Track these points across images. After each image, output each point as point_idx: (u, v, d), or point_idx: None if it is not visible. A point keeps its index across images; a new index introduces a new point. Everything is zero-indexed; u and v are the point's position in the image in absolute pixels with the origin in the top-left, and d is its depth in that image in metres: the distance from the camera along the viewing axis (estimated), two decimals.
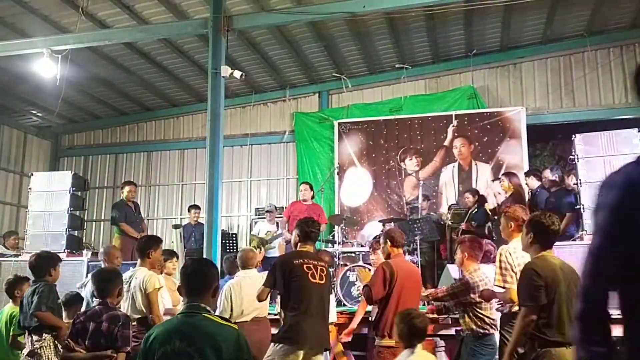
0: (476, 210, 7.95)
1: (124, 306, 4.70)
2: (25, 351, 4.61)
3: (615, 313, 1.68)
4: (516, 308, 3.92)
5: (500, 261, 4.08)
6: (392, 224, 8.35)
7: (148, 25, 8.78)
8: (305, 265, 4.34)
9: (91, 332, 3.64)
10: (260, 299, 4.51)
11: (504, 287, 4.03)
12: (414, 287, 4.57)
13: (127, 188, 8.65)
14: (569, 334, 3.17)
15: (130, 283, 4.71)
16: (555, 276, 3.35)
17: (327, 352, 5.40)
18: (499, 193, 7.74)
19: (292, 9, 8.04)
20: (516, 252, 4.04)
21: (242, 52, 10.06)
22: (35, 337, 4.59)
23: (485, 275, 5.20)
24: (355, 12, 7.68)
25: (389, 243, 4.72)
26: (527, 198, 8.37)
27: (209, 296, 2.67)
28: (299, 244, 4.56)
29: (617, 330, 1.59)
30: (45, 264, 4.78)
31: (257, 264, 5.41)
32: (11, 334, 5.03)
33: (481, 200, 8.17)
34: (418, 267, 6.81)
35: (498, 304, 4.38)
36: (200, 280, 2.68)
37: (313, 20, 8.67)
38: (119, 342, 3.65)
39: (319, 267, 4.39)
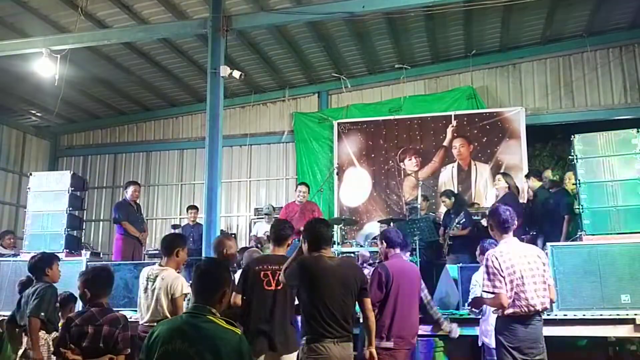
0: (464, 219, 7.70)
1: (146, 305, 4.56)
2: (20, 351, 4.62)
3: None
4: (509, 311, 3.97)
5: (487, 267, 4.05)
6: (391, 224, 8.34)
7: (147, 25, 8.77)
8: (262, 273, 4.27)
9: (90, 336, 3.57)
10: (236, 302, 4.31)
11: (493, 293, 3.99)
12: (411, 286, 4.55)
13: (131, 188, 8.62)
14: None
15: (155, 281, 4.51)
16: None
17: None
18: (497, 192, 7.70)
19: (292, 9, 8.04)
20: (503, 255, 4.03)
21: (242, 52, 10.06)
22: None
23: (475, 281, 5.21)
24: (354, 12, 7.68)
25: (385, 244, 4.71)
26: (525, 198, 8.41)
27: (217, 299, 2.64)
28: (270, 246, 4.56)
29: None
30: (40, 264, 4.80)
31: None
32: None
33: (463, 202, 8.16)
34: (417, 267, 6.78)
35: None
36: (210, 281, 2.66)
37: (312, 20, 8.67)
38: (120, 345, 3.60)
39: (278, 272, 4.20)
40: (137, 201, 8.81)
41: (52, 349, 4.53)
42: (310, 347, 3.59)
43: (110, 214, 12.59)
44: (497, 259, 4.01)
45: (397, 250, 4.69)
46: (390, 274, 4.40)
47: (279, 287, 4.23)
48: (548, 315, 5.59)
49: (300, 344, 3.78)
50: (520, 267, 3.99)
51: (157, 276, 4.53)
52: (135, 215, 8.54)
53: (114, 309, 3.96)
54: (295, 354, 4.11)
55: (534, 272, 4.01)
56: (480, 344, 5.40)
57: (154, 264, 4.95)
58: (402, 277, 4.45)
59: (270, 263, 4.33)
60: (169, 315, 4.36)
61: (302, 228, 4.11)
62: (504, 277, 3.95)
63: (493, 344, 4.82)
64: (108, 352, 3.58)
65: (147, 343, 2.55)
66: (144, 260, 8.89)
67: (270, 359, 4.23)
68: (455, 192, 8.90)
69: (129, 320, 3.94)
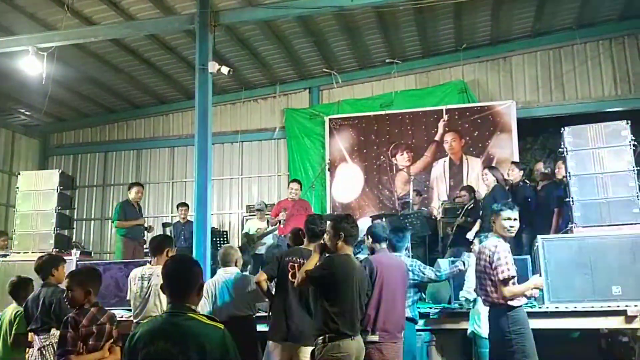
0: (472, 206, 7.90)
1: (142, 302, 4.65)
2: (35, 348, 4.65)
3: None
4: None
5: None
6: (383, 219, 8.33)
7: (134, 21, 8.67)
8: (290, 264, 4.46)
9: (95, 335, 3.65)
10: (259, 280, 4.50)
11: None
12: (397, 281, 4.55)
13: (135, 189, 8.57)
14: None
15: (150, 279, 4.65)
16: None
17: None
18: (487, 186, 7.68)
19: (280, 4, 7.93)
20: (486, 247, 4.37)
21: (231, 47, 9.98)
22: (42, 336, 4.64)
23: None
24: (343, 6, 7.58)
25: (370, 239, 4.72)
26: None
27: (193, 295, 2.61)
28: (304, 240, 4.70)
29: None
30: (47, 264, 4.85)
31: (237, 262, 5.35)
32: (14, 332, 4.98)
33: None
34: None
35: None
36: (182, 280, 2.62)
37: (302, 15, 8.62)
38: (117, 338, 3.71)
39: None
40: (139, 202, 8.77)
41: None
42: (333, 344, 3.68)
43: (101, 212, 12.58)
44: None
45: (383, 245, 4.72)
46: (374, 267, 4.44)
47: None
48: (540, 307, 5.62)
49: (317, 340, 3.81)
50: (475, 261, 4.42)
51: (151, 274, 4.67)
52: (137, 215, 8.51)
53: (106, 308, 3.98)
54: (310, 348, 4.12)
55: (480, 267, 4.28)
56: (469, 334, 5.41)
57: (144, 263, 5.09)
58: (387, 272, 4.48)
59: (299, 256, 4.49)
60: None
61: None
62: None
63: (483, 333, 4.85)
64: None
65: (129, 346, 2.50)
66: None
67: (287, 349, 4.39)
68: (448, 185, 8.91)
69: (120, 319, 4.19)
